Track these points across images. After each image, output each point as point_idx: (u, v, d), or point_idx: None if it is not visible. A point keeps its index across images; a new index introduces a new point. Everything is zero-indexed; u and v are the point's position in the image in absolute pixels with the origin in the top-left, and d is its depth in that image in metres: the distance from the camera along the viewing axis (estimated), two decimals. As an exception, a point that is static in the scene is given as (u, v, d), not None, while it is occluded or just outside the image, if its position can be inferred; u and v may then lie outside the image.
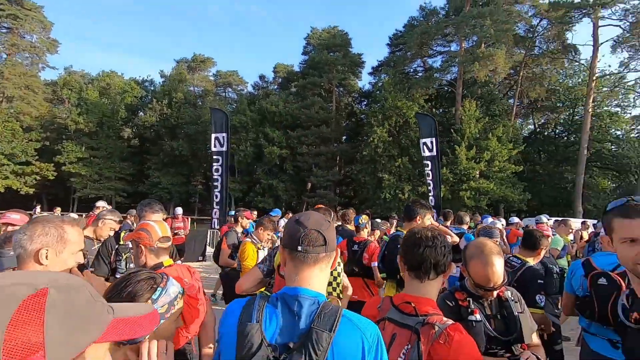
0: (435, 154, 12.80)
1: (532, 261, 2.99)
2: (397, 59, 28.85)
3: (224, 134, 13.02)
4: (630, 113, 27.63)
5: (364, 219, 4.20)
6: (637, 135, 27.68)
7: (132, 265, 2.77)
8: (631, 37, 23.71)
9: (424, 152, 13.12)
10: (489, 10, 22.06)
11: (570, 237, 6.41)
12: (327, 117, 28.52)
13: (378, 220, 4.97)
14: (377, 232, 4.44)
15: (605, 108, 26.82)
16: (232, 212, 11.50)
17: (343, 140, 31.03)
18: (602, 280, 2.42)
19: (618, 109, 27.39)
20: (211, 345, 2.08)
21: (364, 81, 63.48)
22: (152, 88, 38.55)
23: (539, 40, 26.20)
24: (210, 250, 12.43)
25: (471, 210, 18.03)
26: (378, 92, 26.06)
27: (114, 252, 2.95)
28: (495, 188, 20.81)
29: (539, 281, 2.80)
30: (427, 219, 3.12)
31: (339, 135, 30.50)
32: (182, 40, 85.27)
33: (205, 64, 38.03)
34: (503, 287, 1.82)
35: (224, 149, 13.03)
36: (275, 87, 37.20)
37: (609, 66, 34.64)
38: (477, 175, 21.41)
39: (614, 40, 24.30)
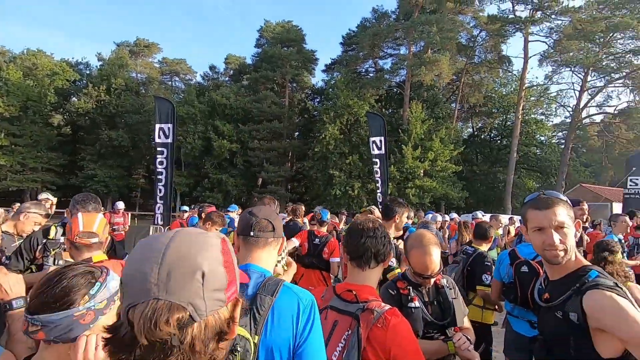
0: (383, 152, 13.28)
1: (484, 247, 3.42)
2: (350, 58, 29.44)
3: (170, 125, 12.34)
4: (552, 121, 31.16)
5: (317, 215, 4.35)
6: (557, 141, 31.16)
7: (61, 262, 2.55)
8: (554, 53, 26.55)
9: (373, 150, 13.53)
10: (436, 18, 23.33)
11: (500, 231, 7.07)
12: (279, 112, 28.29)
13: (326, 211, 5.09)
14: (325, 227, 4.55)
15: (532, 116, 29.80)
16: (185, 208, 10.99)
17: (295, 136, 31.02)
18: (524, 268, 2.70)
19: (543, 117, 30.65)
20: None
21: (317, 78, 63.90)
22: (88, 72, 35.26)
23: (479, 50, 28.31)
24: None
25: (415, 207, 19.05)
26: (331, 89, 26.37)
27: (40, 247, 2.67)
28: (437, 186, 22.19)
29: (485, 263, 3.21)
30: (404, 217, 3.14)
31: (291, 131, 30.43)
32: (124, 22, 79.09)
33: (149, 50, 35.69)
34: (439, 275, 1.95)
35: (169, 140, 12.36)
36: (227, 79, 36.06)
37: (537, 78, 38.66)
38: (422, 174, 22.65)
39: (541, 55, 27.06)
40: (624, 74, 25.52)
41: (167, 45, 78.21)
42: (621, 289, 1.24)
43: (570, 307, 1.29)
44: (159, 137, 12.33)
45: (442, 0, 24.64)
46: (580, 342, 1.25)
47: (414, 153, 22.18)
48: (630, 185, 11.80)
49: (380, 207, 13.04)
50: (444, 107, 27.97)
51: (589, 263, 1.42)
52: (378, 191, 13.53)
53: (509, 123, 29.49)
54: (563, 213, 1.38)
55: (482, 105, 29.75)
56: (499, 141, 31.29)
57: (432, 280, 1.90)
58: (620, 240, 4.64)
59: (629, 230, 5.02)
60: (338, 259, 4.13)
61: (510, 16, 25.62)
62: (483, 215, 7.57)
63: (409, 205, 5.64)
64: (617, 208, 12.50)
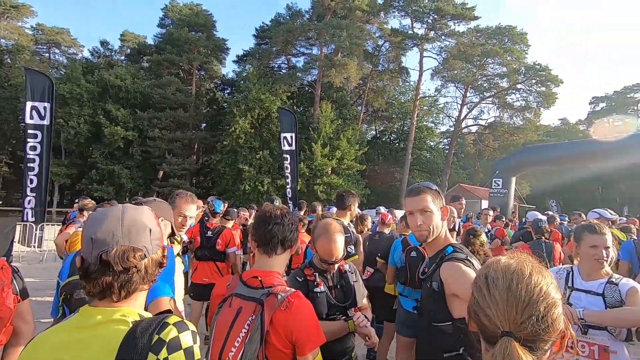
0: (294, 148, 13.51)
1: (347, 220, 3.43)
2: (263, 52, 29.07)
3: (47, 104, 10.49)
4: (440, 129, 35.74)
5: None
6: (442, 146, 35.83)
7: None
8: (443, 70, 30.46)
9: (284, 146, 13.67)
10: (346, 23, 24.59)
11: (394, 225, 7.86)
12: (185, 101, 26.37)
13: (234, 209, 4.99)
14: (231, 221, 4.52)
15: (425, 123, 33.70)
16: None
17: (202, 127, 29.32)
18: (413, 253, 3.07)
19: (432, 124, 34.94)
20: None
21: (228, 68, 61.50)
22: None
23: (383, 59, 30.77)
24: (24, 249, 9.83)
25: (322, 203, 19.85)
26: (242, 82, 25.64)
27: None
28: (343, 183, 23.48)
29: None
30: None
31: (198, 122, 28.68)
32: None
33: (18, 12, 29.52)
34: (342, 260, 2.09)
35: (45, 122, 10.51)
36: (122, 58, 32.09)
37: (429, 90, 43.66)
38: (329, 172, 23.70)
39: (433, 70, 30.76)
40: (493, 93, 30.70)
41: (44, 9, 65.48)
42: (470, 261, 1.50)
43: (434, 278, 1.54)
44: (31, 117, 10.39)
45: (352, 8, 26.08)
46: (440, 306, 1.49)
47: (322, 151, 23.04)
48: (494, 185, 14.28)
49: (290, 202, 13.21)
50: (351, 109, 29.70)
51: (455, 242, 1.69)
52: (288, 187, 13.73)
53: (405, 128, 32.80)
54: (427, 199, 1.60)
55: (384, 110, 32.50)
56: (397, 144, 34.57)
57: (337, 265, 2.03)
58: (489, 229, 5.65)
59: (489, 220, 6.12)
60: (235, 249, 4.22)
61: (410, 32, 28.50)
62: (386, 210, 8.35)
63: (319, 202, 5.90)
64: (485, 204, 15.01)
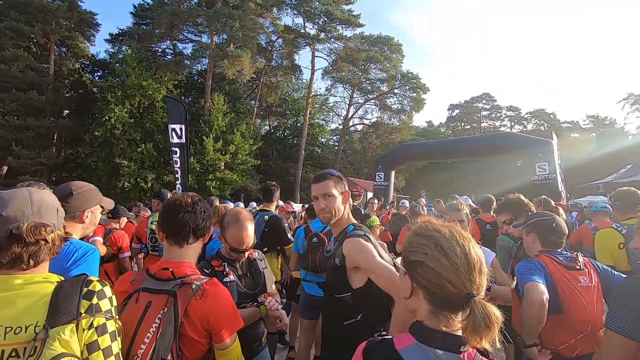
0: (184, 141, 12.47)
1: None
2: (144, 33, 25.98)
3: None
4: (330, 127, 37.93)
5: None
6: (333, 143, 38.15)
7: None
8: (332, 71, 32.35)
9: (172, 138, 12.48)
10: (239, 14, 23.84)
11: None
12: (40, 82, 21.76)
13: (123, 207, 4.46)
14: (124, 220, 4.03)
15: (316, 120, 35.27)
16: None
17: (65, 114, 24.71)
18: (315, 239, 3.25)
19: (323, 122, 36.83)
20: None
21: (99, 48, 53.05)
22: None
23: (276, 55, 30.96)
24: None
25: (218, 198, 18.99)
26: (118, 64, 22.44)
27: None
28: (237, 179, 22.88)
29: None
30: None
31: (59, 108, 24.01)
32: None
33: None
34: (251, 249, 2.10)
35: None
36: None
37: (320, 88, 45.87)
38: (223, 167, 22.79)
39: (323, 70, 32.37)
40: (375, 95, 34.01)
41: None
42: (368, 237, 1.69)
43: (337, 254, 1.70)
44: None
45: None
46: (341, 279, 1.65)
47: (215, 145, 21.99)
48: (377, 179, 15.91)
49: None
50: (245, 103, 29.07)
51: (355, 222, 1.89)
52: (177, 183, 12.62)
53: (299, 125, 33.77)
54: (330, 185, 1.75)
55: (278, 106, 32.81)
56: (291, 140, 35.33)
57: (246, 253, 2.03)
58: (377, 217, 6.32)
59: (375, 209, 6.87)
60: (127, 254, 3.83)
61: (302, 31, 29.35)
62: (283, 203, 8.49)
63: (210, 197, 5.71)
64: (370, 195, 16.60)
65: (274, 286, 2.21)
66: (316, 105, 34.60)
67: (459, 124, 46.92)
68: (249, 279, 2.04)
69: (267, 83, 30.85)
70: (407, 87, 33.06)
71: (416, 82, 32.36)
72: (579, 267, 1.92)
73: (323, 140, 36.94)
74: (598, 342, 1.83)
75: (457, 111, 47.59)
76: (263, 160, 28.44)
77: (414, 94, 32.93)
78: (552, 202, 4.23)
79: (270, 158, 32.28)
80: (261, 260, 2.15)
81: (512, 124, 45.84)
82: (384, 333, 1.14)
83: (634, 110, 42.67)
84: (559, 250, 2.03)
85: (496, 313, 0.84)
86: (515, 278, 2.01)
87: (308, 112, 30.51)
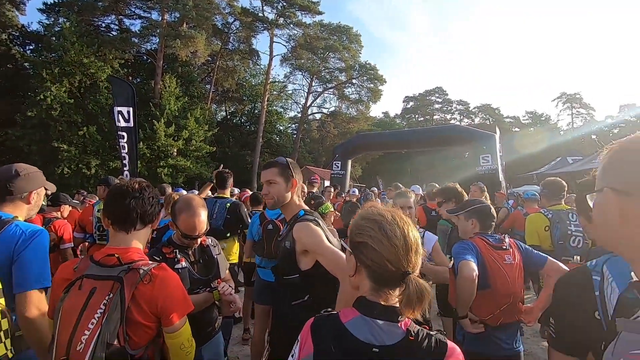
0: (132, 125, 11.72)
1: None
2: (84, 5, 23.71)
3: None
4: (289, 114, 37.57)
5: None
6: (291, 131, 37.91)
7: None
8: (291, 57, 31.91)
9: (118, 122, 11.64)
10: (193, -8, 22.59)
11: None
12: (-42, 53, 19.19)
13: (64, 194, 4.16)
14: (66, 208, 3.77)
15: (274, 108, 34.75)
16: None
17: (-9, 91, 22.07)
18: (270, 226, 3.28)
19: (282, 109, 36.36)
20: None
21: (31, 18, 47.67)
22: None
23: (233, 38, 29.84)
24: None
25: (171, 186, 18.19)
26: (54, 38, 20.35)
27: None
28: (191, 166, 22.04)
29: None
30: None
31: (-17, 84, 21.43)
32: None
33: None
34: (204, 236, 2.09)
35: None
36: None
37: (278, 75, 45.17)
38: (175, 153, 21.80)
39: (282, 56, 31.82)
40: (334, 85, 34.17)
41: None
42: (318, 222, 1.76)
43: (287, 238, 1.77)
44: None
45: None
46: (291, 262, 1.72)
47: (167, 130, 20.92)
48: (334, 167, 16.15)
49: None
50: (199, 87, 27.85)
51: (307, 208, 1.95)
52: (125, 169, 11.87)
53: (256, 111, 33.09)
54: (274, 172, 1.82)
55: (235, 91, 31.81)
56: (248, 127, 34.56)
57: (199, 240, 2.02)
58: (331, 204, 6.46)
59: (331, 196, 7.04)
60: (70, 245, 3.61)
61: (260, 14, 28.51)
62: (239, 191, 8.39)
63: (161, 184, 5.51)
64: (327, 183, 16.82)
65: (227, 272, 2.22)
66: (274, 92, 34.04)
67: (413, 116, 48.71)
68: (201, 265, 2.03)
69: (224, 67, 29.72)
70: (364, 78, 33.58)
71: (373, 73, 32.97)
72: (505, 247, 2.17)
73: (281, 128, 36.57)
74: (518, 312, 2.11)
75: (411, 103, 49.32)
76: (219, 147, 27.61)
77: (372, 85, 33.56)
78: (485, 188, 4.66)
79: (227, 145, 31.40)
80: (215, 246, 2.15)
81: (462, 117, 48.50)
82: (329, 309, 1.22)
83: (566, 108, 47.06)
84: (489, 232, 2.28)
85: (427, 288, 0.95)
86: (452, 258, 2.23)
87: (266, 99, 29.96)
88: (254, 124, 33.05)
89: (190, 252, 2.01)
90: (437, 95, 48.58)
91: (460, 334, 2.19)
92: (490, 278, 2.07)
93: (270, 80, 31.00)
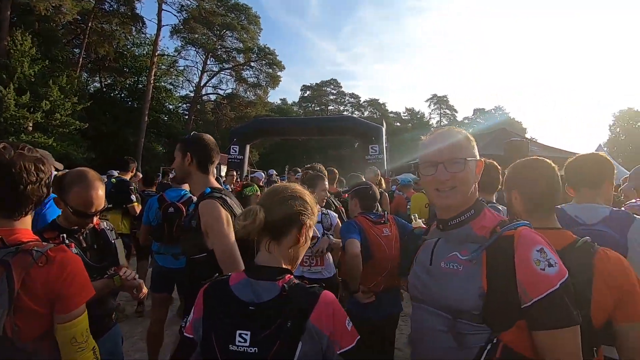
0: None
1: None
2: None
3: None
4: (180, 93, 34.43)
5: None
6: (182, 111, 34.94)
7: None
8: (184, 30, 29.21)
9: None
10: None
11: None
12: None
13: None
14: None
15: (163, 84, 31.43)
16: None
17: None
18: (171, 209, 3.06)
19: (172, 87, 33.07)
20: None
21: None
22: None
23: (111, -3, 25.69)
24: None
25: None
26: None
27: None
28: (55, 144, 18.43)
29: None
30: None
31: None
32: None
33: None
34: (98, 219, 1.86)
35: None
36: None
37: (168, 48, 40.73)
38: (31, 127, 17.92)
39: (173, 27, 28.86)
40: (231, 65, 32.68)
41: None
42: (224, 199, 1.76)
43: (193, 217, 1.76)
44: None
45: None
46: (197, 241, 1.71)
47: (19, 99, 16.97)
48: (232, 152, 15.65)
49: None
50: (65, 50, 23.29)
51: (217, 186, 1.92)
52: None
53: (141, 86, 29.41)
54: (177, 147, 1.90)
55: (114, 60, 27.54)
56: (130, 102, 30.48)
57: (93, 221, 1.78)
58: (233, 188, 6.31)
59: (233, 181, 6.88)
60: None
61: (146, -25, 25.17)
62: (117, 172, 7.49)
63: None
64: (224, 169, 16.23)
65: (124, 260, 2.02)
66: (163, 67, 30.71)
67: (310, 105, 50.21)
68: (95, 251, 1.80)
69: (98, 30, 25.36)
70: (263, 62, 33.01)
71: (272, 58, 32.66)
72: (383, 222, 2.53)
73: (171, 107, 33.33)
74: (397, 278, 2.51)
75: (308, 92, 50.75)
76: (92, 124, 23.70)
77: (270, 70, 33.24)
78: (379, 172, 5.22)
79: (103, 122, 27.16)
80: (111, 230, 1.93)
81: (353, 109, 52.09)
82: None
83: (436, 108, 54.97)
84: (373, 211, 2.63)
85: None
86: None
87: (153, 73, 26.82)
88: (137, 100, 29.30)
89: (81, 238, 1.76)
90: (332, 87, 51.05)
91: (349, 302, 2.45)
92: (372, 250, 2.38)
93: (159, 52, 27.83)
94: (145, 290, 1.79)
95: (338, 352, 1.00)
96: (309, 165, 3.77)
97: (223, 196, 1.76)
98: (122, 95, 30.90)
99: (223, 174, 8.79)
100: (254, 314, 1.01)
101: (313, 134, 17.83)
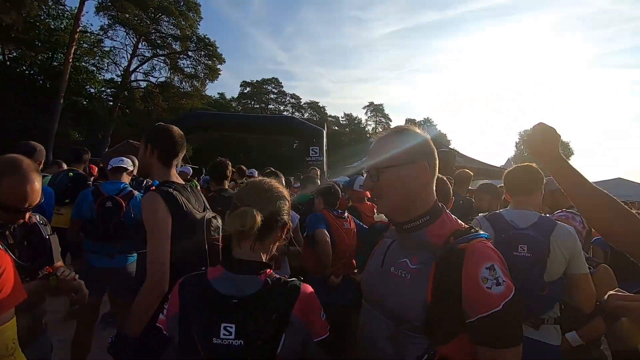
0: None
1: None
2: None
3: None
4: (104, 76, 31.07)
5: None
6: (106, 97, 31.65)
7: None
8: (112, 8, 26.54)
9: None
10: None
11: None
12: None
13: None
14: None
15: (84, 64, 28.12)
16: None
17: None
18: (109, 204, 2.77)
19: (94, 68, 29.70)
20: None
21: None
22: None
23: (22, -42, 22.25)
24: None
25: None
26: None
27: None
28: (-61, 122, 15.41)
29: None
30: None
31: None
32: None
33: None
34: (30, 213, 1.63)
35: None
36: None
37: (92, 25, 36.48)
38: None
39: (99, 3, 26.03)
40: (166, 52, 30.52)
41: None
42: (170, 194, 1.65)
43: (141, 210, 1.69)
44: None
45: None
46: (143, 235, 1.62)
47: None
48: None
49: None
50: (-42, 12, 19.57)
51: (175, 180, 1.80)
52: None
53: (56, 64, 25.99)
54: (142, 140, 1.82)
55: (23, 31, 23.88)
56: (41, 82, 26.74)
57: (25, 216, 1.55)
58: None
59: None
60: None
61: (69, -59, 22.35)
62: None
63: None
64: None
65: (60, 261, 1.80)
66: (85, 45, 27.48)
67: (249, 102, 49.12)
68: (25, 248, 1.57)
69: (4, -6, 21.81)
70: (202, 53, 31.41)
71: (212, 49, 31.26)
72: (344, 217, 3.03)
73: (93, 90, 29.97)
74: (353, 267, 2.94)
75: (248, 89, 49.58)
76: (-9, 102, 20.31)
77: (210, 62, 31.76)
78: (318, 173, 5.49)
79: (6, 101, 23.41)
80: (45, 225, 1.70)
81: (294, 110, 52.21)
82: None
83: (372, 115, 57.65)
84: (335, 208, 3.06)
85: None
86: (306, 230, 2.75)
87: (72, 50, 23.82)
88: (51, 79, 25.81)
89: (7, 233, 1.52)
90: (273, 85, 50.61)
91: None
92: (335, 239, 2.81)
93: (80, 28, 24.83)
94: (85, 291, 1.60)
95: (315, 340, 1.07)
96: (268, 170, 3.90)
97: (171, 190, 1.65)
98: (32, 72, 26.99)
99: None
100: (238, 307, 1.01)
101: (254, 131, 17.45)
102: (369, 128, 56.76)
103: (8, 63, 25.92)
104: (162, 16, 28.67)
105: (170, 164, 1.77)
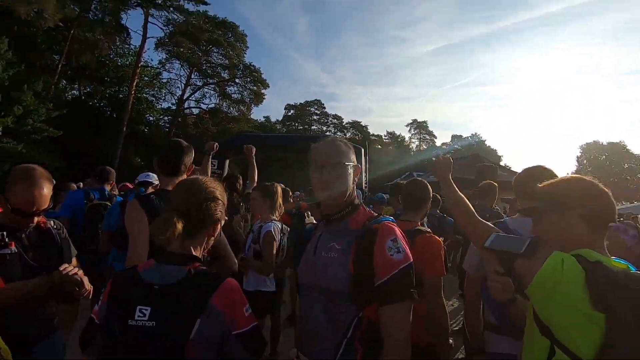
0: None
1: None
2: None
3: None
4: (162, 105, 34.01)
5: None
6: (163, 124, 34.43)
7: None
8: (169, 44, 29.23)
9: None
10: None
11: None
12: None
13: None
14: None
15: (145, 95, 31.05)
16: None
17: None
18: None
19: (153, 98, 32.69)
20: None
21: None
22: None
23: (96, 6, 25.54)
24: None
25: (-14, 174, 14.15)
26: None
27: None
28: (25, 151, 17.70)
29: None
30: None
31: None
32: None
33: None
34: (43, 217, 1.75)
35: None
36: None
37: (152, 60, 40.38)
38: (0, 132, 17.19)
39: (158, 40, 28.84)
40: (215, 81, 32.74)
41: None
42: (148, 199, 1.72)
43: None
44: None
45: None
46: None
47: (-11, 102, 16.36)
48: (211, 166, 15.47)
49: None
50: (44, 56, 22.77)
51: (169, 189, 1.89)
52: None
53: (121, 96, 28.94)
54: None
55: (95, 69, 27.11)
56: (108, 113, 29.85)
57: (35, 220, 1.68)
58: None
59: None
60: None
61: (134, -12, 25.30)
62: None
63: None
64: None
65: (74, 260, 1.90)
66: (145, 78, 30.43)
67: (293, 124, 50.56)
68: (38, 250, 1.69)
69: (81, 38, 25.00)
70: (248, 79, 33.24)
71: (257, 75, 32.97)
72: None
73: (151, 118, 32.85)
74: None
75: (292, 111, 51.19)
76: (68, 133, 22.97)
77: (255, 87, 33.46)
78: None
79: (80, 130, 26.35)
80: (59, 229, 1.82)
81: (336, 130, 52.77)
82: None
83: (416, 133, 56.50)
84: None
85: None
86: None
87: (134, 84, 26.49)
88: (116, 110, 28.72)
89: (23, 236, 1.65)
90: (316, 107, 51.74)
91: None
92: None
93: (142, 63, 27.63)
94: (89, 287, 1.66)
95: (233, 333, 1.07)
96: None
97: (151, 196, 1.73)
98: (101, 104, 30.27)
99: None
100: (157, 293, 1.06)
101: (294, 151, 17.86)
102: (413, 146, 55.58)
103: (83, 98, 29.36)
104: (212, 48, 30.97)
105: (168, 173, 1.88)
